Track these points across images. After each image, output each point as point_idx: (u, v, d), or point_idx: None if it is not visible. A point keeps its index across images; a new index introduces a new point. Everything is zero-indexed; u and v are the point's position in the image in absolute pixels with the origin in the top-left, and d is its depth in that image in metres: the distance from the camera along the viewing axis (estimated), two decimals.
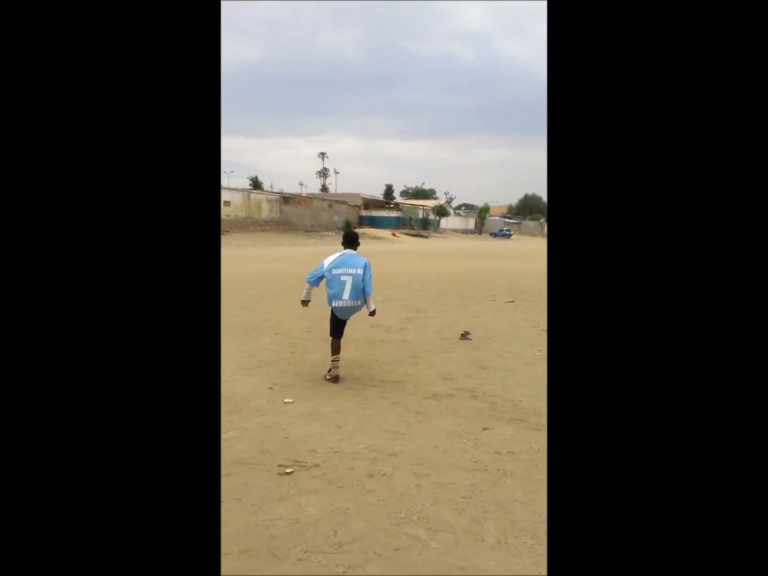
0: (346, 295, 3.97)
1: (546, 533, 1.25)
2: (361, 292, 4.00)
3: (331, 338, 4.23)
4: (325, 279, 4.05)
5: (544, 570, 1.87)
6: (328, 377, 4.23)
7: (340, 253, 4.08)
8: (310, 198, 50.14)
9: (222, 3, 1.32)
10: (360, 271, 3.98)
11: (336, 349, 4.19)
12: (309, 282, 4.12)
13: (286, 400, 3.71)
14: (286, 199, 45.68)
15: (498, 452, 2.90)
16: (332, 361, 4.22)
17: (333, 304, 4.05)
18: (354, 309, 4.09)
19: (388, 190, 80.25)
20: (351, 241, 4.19)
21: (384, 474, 2.63)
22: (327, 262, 4.04)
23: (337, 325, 4.19)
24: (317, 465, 2.72)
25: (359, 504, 2.33)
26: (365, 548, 2.01)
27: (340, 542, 2.05)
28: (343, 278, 3.97)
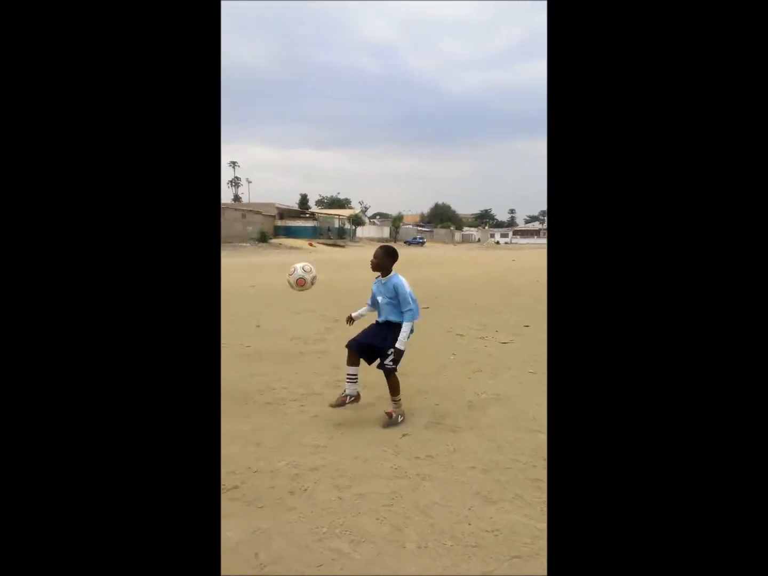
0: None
1: (546, 532, 1.28)
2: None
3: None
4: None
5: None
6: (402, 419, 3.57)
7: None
8: (222, 208, 48.46)
9: (222, 3, 1.30)
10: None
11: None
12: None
13: None
14: None
15: (417, 457, 2.97)
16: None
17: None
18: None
19: (303, 200, 79.54)
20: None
21: (305, 490, 2.60)
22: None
23: None
24: (236, 486, 2.63)
25: (280, 523, 2.29)
26: (287, 567, 1.97)
27: (261, 564, 1.99)
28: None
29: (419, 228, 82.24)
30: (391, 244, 4.38)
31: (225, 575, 1.74)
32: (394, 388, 3.52)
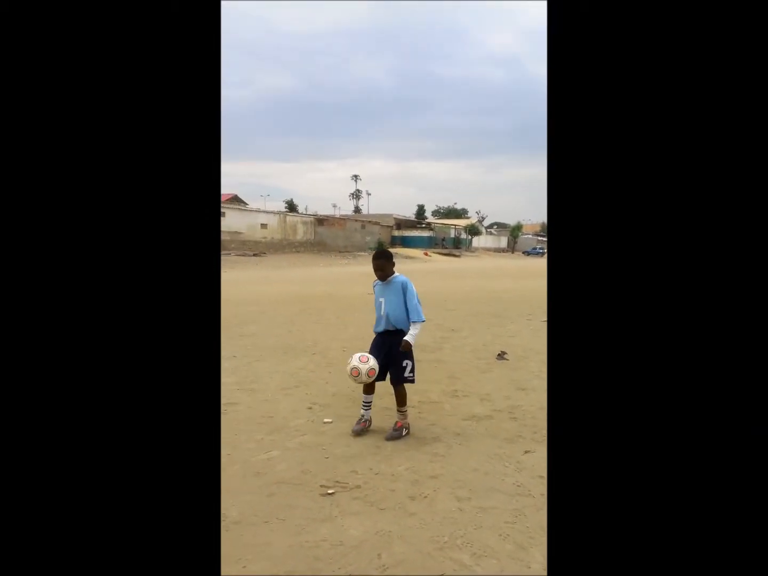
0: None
1: (547, 536, 1.23)
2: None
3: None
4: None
5: None
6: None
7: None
8: (343, 219, 50.91)
9: (253, 32, 1.36)
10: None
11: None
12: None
13: (325, 420, 3.74)
14: (320, 220, 46.56)
15: (541, 476, 2.84)
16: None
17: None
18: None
19: (420, 210, 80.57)
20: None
21: (425, 497, 2.61)
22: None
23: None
24: (358, 486, 2.72)
25: (402, 527, 2.32)
26: (410, 572, 1.99)
27: (384, 565, 2.04)
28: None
29: (539, 238, 79.07)
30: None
31: (225, 575, 1.79)
32: (403, 398, 3.48)
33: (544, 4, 1.28)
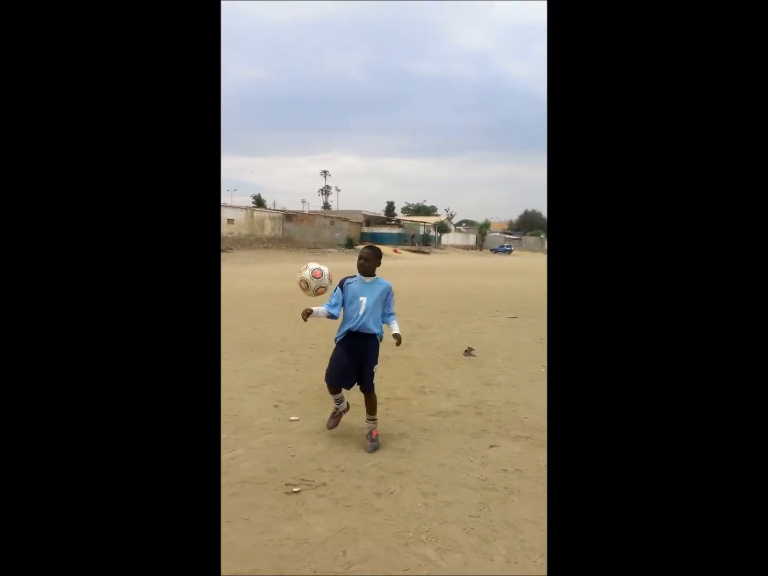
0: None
1: (546, 535, 1.24)
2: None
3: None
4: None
5: None
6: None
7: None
8: (312, 215, 50.49)
9: (223, 12, 1.32)
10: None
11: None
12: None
13: (291, 418, 3.71)
14: (288, 216, 46.05)
15: (505, 470, 2.89)
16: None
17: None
18: None
19: (390, 207, 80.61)
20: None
21: (391, 493, 2.62)
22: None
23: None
24: (324, 484, 2.71)
25: (367, 523, 2.32)
26: (374, 568, 2.00)
27: (349, 562, 2.03)
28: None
29: (507, 236, 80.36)
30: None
31: (225, 575, 1.78)
32: (375, 406, 3.35)
33: (539, 4, 1.29)
